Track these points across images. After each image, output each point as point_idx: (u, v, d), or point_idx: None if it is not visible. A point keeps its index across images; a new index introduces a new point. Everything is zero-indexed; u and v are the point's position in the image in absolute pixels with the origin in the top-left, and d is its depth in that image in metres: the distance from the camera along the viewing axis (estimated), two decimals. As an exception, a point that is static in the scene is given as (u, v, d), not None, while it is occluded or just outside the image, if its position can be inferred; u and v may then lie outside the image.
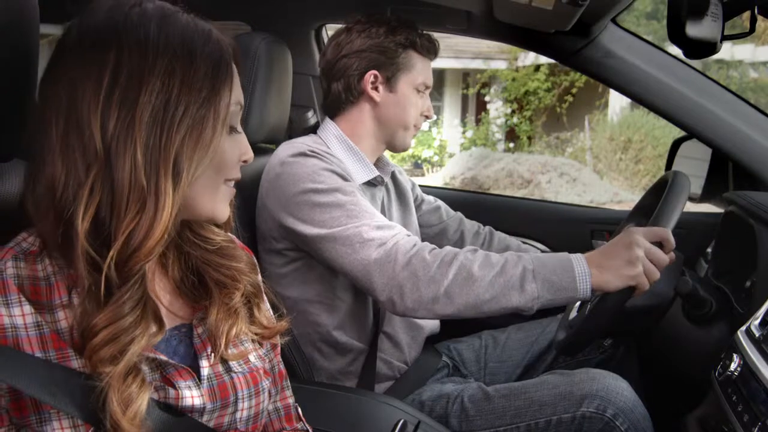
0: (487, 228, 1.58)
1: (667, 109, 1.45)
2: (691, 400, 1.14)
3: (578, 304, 1.35)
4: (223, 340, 0.72)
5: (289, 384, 0.90)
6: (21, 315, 0.62)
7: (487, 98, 11.01)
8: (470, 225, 1.58)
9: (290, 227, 1.19)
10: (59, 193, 0.62)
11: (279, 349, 0.86)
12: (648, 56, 1.45)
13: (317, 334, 1.29)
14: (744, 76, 9.62)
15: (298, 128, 1.70)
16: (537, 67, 10.20)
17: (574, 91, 9.85)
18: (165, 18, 0.65)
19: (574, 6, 1.13)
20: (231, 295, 0.75)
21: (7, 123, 0.70)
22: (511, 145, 10.82)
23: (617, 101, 9.81)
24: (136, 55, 0.62)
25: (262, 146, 1.46)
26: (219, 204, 0.71)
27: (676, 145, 1.64)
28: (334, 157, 1.25)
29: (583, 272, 1.05)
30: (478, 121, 11.24)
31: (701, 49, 1.08)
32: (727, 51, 8.52)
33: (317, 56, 1.87)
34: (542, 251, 1.67)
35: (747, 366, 0.91)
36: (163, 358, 0.69)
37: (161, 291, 0.74)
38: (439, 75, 11.34)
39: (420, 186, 1.64)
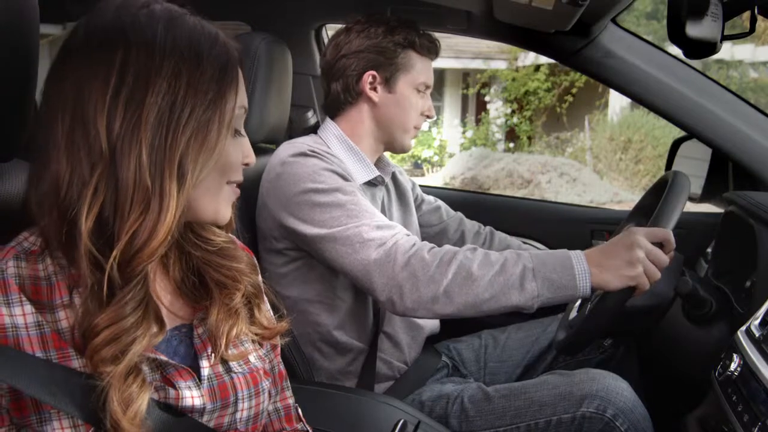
0: (488, 228, 1.58)
1: (667, 109, 1.45)
2: (691, 400, 1.14)
3: (578, 303, 1.35)
4: (224, 341, 0.73)
5: (289, 384, 0.90)
6: (22, 315, 0.63)
7: (487, 98, 11.01)
8: (470, 225, 1.58)
9: (290, 227, 1.19)
10: (63, 191, 0.62)
11: (279, 349, 0.86)
12: (648, 56, 1.45)
13: (317, 333, 1.29)
14: (744, 76, 9.62)
15: (298, 128, 1.70)
16: (537, 67, 10.20)
17: (574, 91, 9.85)
18: (172, 20, 0.65)
19: (574, 6, 1.13)
20: (231, 295, 0.75)
21: (7, 123, 0.70)
22: (511, 145, 10.81)
23: (617, 101, 9.81)
24: (144, 56, 0.62)
25: (262, 146, 1.46)
26: (222, 206, 0.72)
27: (676, 145, 1.64)
28: (335, 157, 1.25)
29: (583, 270, 1.05)
30: (478, 121, 11.24)
31: (701, 49, 1.08)
32: (727, 51, 8.52)
33: (317, 56, 1.88)
34: (542, 251, 1.67)
35: (747, 366, 0.91)
36: (164, 358, 0.69)
37: (162, 291, 0.74)
38: (439, 75, 11.34)
39: (420, 186, 1.64)
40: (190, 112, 0.63)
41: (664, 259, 1.06)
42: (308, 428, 0.90)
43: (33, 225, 0.67)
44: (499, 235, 1.57)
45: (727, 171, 1.52)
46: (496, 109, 10.90)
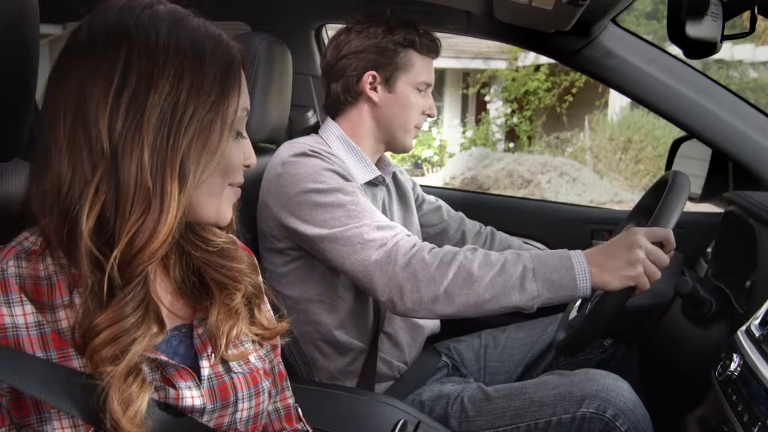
0: (489, 228, 1.58)
1: (667, 109, 1.45)
2: (691, 400, 1.14)
3: (578, 304, 1.35)
4: (224, 341, 0.73)
5: (289, 384, 0.90)
6: (22, 314, 0.63)
7: (487, 98, 11.00)
8: (471, 225, 1.58)
9: (291, 227, 1.19)
10: (65, 191, 0.62)
11: (279, 349, 0.86)
12: (648, 56, 1.45)
13: (318, 333, 1.29)
14: (744, 76, 9.61)
15: (298, 128, 1.70)
16: (537, 67, 10.20)
17: (574, 91, 9.85)
18: (176, 21, 0.65)
19: (574, 6, 1.13)
20: (232, 295, 0.75)
21: (8, 123, 0.70)
22: (511, 145, 10.81)
23: (617, 101, 9.81)
24: (146, 56, 0.62)
25: (263, 146, 1.46)
26: (223, 207, 0.72)
27: (676, 145, 1.64)
28: (336, 157, 1.25)
29: (583, 270, 1.05)
30: (478, 121, 11.24)
31: (701, 49, 1.08)
32: (727, 51, 8.52)
33: (317, 56, 1.88)
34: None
35: (747, 366, 0.91)
36: (164, 358, 0.69)
37: (162, 291, 0.74)
38: (439, 75, 11.33)
39: (420, 186, 1.64)
40: (192, 113, 0.63)
41: (665, 258, 1.06)
42: (308, 428, 0.90)
43: (33, 225, 0.67)
44: (500, 235, 1.57)
45: (727, 171, 1.52)
46: (496, 109, 10.89)
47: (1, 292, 0.62)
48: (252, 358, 0.78)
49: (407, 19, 1.32)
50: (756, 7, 1.13)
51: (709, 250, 1.46)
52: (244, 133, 0.73)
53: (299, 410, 0.90)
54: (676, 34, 1.05)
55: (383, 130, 1.34)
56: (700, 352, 1.19)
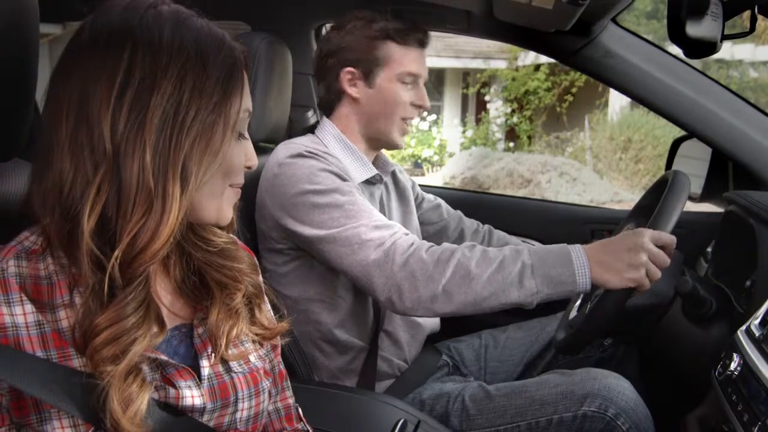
0: (487, 226, 1.58)
1: (667, 109, 1.45)
2: (691, 400, 1.14)
3: (578, 303, 1.35)
4: (224, 341, 0.73)
5: (290, 384, 0.90)
6: (22, 314, 0.63)
7: (487, 98, 11.01)
8: (469, 223, 1.58)
9: (289, 228, 1.19)
10: (66, 190, 0.62)
11: (279, 349, 0.86)
12: (648, 56, 1.45)
13: (318, 332, 1.29)
14: (744, 75, 9.61)
15: (298, 128, 1.70)
16: (537, 67, 10.20)
17: (574, 90, 9.85)
18: (180, 21, 0.65)
19: (574, 5, 1.13)
20: (232, 295, 0.75)
21: (7, 122, 0.70)
22: (511, 144, 10.82)
23: (617, 101, 9.81)
24: (150, 57, 0.62)
25: (263, 146, 1.46)
26: (224, 207, 0.72)
27: (676, 144, 1.64)
28: (332, 157, 1.25)
29: (583, 265, 1.05)
30: (478, 120, 11.24)
31: (701, 48, 1.08)
32: (727, 50, 8.52)
33: (317, 56, 1.87)
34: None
35: (747, 366, 0.91)
36: (164, 358, 0.69)
37: (162, 291, 0.74)
38: (439, 74, 11.35)
39: (420, 185, 1.64)
40: (194, 114, 0.63)
41: (666, 260, 1.06)
42: (308, 428, 0.90)
43: (34, 224, 0.67)
44: (498, 234, 1.57)
45: (727, 170, 1.52)
46: (496, 108, 10.90)
47: (1, 291, 0.62)
48: (252, 358, 0.78)
49: (391, 10, 1.30)
50: (756, 7, 1.13)
51: (709, 249, 1.46)
52: (246, 135, 0.73)
53: (299, 410, 0.90)
54: (677, 33, 1.05)
55: (368, 126, 1.33)
56: (700, 352, 1.19)
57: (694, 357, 1.22)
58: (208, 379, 0.72)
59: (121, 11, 0.64)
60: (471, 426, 1.22)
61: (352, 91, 1.31)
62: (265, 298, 0.84)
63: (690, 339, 1.24)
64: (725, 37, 1.08)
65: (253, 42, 1.34)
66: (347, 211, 1.15)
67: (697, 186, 1.54)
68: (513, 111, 10.68)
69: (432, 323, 1.47)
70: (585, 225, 1.81)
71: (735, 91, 1.46)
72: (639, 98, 1.48)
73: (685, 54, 1.12)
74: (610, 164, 9.01)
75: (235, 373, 0.75)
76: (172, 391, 0.69)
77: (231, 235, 0.79)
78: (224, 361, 0.74)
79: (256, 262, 0.84)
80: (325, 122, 1.35)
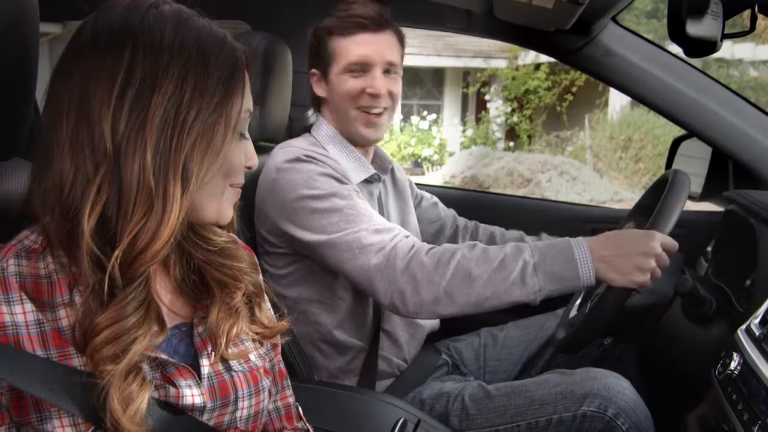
0: (473, 222, 1.59)
1: (667, 108, 1.45)
2: (691, 399, 1.14)
3: (578, 302, 1.35)
4: (224, 340, 0.73)
5: (290, 383, 0.90)
6: (22, 313, 0.63)
7: (487, 97, 11.00)
8: (461, 220, 1.59)
9: (289, 233, 1.19)
10: (66, 190, 0.61)
11: (279, 348, 0.86)
12: (648, 55, 1.45)
13: (317, 333, 1.29)
14: (744, 74, 9.60)
15: (298, 127, 1.69)
16: (537, 66, 10.19)
17: (574, 89, 9.84)
18: (181, 21, 0.65)
19: (574, 5, 1.13)
20: (232, 294, 0.75)
21: (7, 121, 0.70)
22: (511, 144, 10.81)
23: (617, 100, 9.80)
24: (151, 56, 0.62)
25: (263, 145, 1.46)
26: (224, 207, 0.71)
27: (676, 143, 1.64)
28: (330, 159, 1.25)
29: (586, 260, 1.05)
30: (478, 119, 11.24)
31: (701, 47, 1.07)
32: (727, 49, 8.50)
33: (317, 55, 1.87)
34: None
35: (747, 365, 0.91)
36: (164, 356, 0.69)
37: (162, 290, 0.74)
38: (440, 74, 11.34)
39: (420, 185, 1.64)
40: (195, 114, 0.63)
41: (668, 261, 1.06)
42: (309, 427, 0.90)
43: (34, 223, 0.67)
44: (483, 227, 1.57)
45: (727, 170, 1.52)
46: (497, 107, 10.89)
47: (1, 290, 0.62)
48: (252, 357, 0.78)
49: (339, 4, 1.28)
50: (756, 6, 1.13)
51: (709, 249, 1.46)
52: (247, 135, 0.73)
53: (299, 409, 0.90)
54: (677, 32, 1.05)
55: (338, 123, 1.32)
56: (700, 351, 1.19)
57: (694, 356, 1.22)
58: (208, 378, 0.72)
59: (122, 11, 0.64)
60: (471, 425, 1.22)
61: (318, 91, 1.33)
62: (265, 297, 0.84)
63: (690, 338, 1.24)
64: (725, 36, 1.07)
65: (253, 41, 1.34)
66: (347, 216, 1.14)
67: (697, 185, 1.54)
68: (513, 110, 10.68)
69: (431, 322, 1.47)
70: (585, 224, 1.81)
71: (735, 91, 1.46)
72: (639, 97, 1.48)
73: (685, 53, 1.12)
74: (610, 163, 9.01)
75: (235, 371, 0.75)
76: (172, 390, 0.69)
77: (231, 234, 0.79)
78: (224, 360, 0.74)
79: (256, 261, 0.84)
80: (320, 121, 1.35)
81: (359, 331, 1.31)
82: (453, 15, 1.59)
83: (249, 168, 0.73)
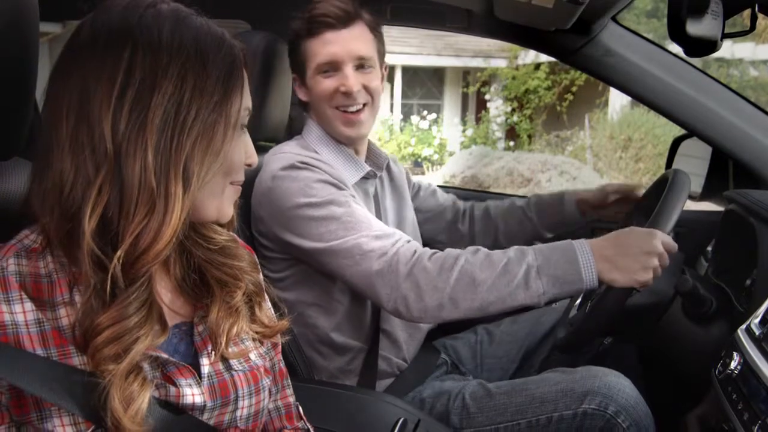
0: (470, 203, 1.60)
1: (667, 108, 1.45)
2: (691, 399, 1.14)
3: (578, 301, 1.35)
4: (224, 339, 0.73)
5: (290, 383, 0.90)
6: (22, 312, 0.63)
7: (487, 96, 11.00)
8: (460, 204, 1.60)
9: (287, 241, 1.18)
10: (67, 190, 0.61)
11: (279, 347, 0.86)
12: (648, 54, 1.45)
13: (315, 336, 1.29)
14: (744, 74, 9.60)
15: (298, 126, 1.69)
16: (537, 66, 10.19)
17: (574, 89, 9.84)
18: (179, 20, 0.65)
19: (574, 4, 1.13)
20: (232, 293, 0.75)
21: (7, 121, 0.70)
22: (512, 143, 10.80)
23: (617, 99, 9.80)
24: (150, 56, 0.62)
25: (263, 144, 1.46)
26: (224, 205, 0.72)
27: (676, 143, 1.64)
28: (324, 164, 1.23)
29: (588, 262, 1.05)
30: (478, 119, 11.23)
31: (701, 47, 1.07)
32: (728, 49, 8.49)
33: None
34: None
35: (747, 364, 0.91)
36: (164, 356, 0.69)
37: (162, 289, 0.74)
38: (440, 73, 11.34)
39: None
40: (195, 114, 0.63)
41: (668, 260, 1.06)
42: (309, 426, 0.90)
43: (34, 223, 0.67)
44: (477, 205, 1.58)
45: (727, 169, 1.52)
46: (497, 107, 10.89)
47: (1, 290, 0.62)
48: (252, 356, 0.78)
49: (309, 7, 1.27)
50: (756, 6, 1.13)
51: (709, 248, 1.46)
52: (246, 132, 0.73)
53: (300, 408, 0.90)
54: (677, 32, 1.05)
55: (321, 124, 1.31)
56: (700, 351, 1.19)
57: (695, 356, 1.22)
58: (208, 377, 0.72)
59: (120, 10, 0.64)
60: (471, 424, 1.22)
61: (300, 95, 1.33)
62: (266, 296, 0.84)
63: (690, 338, 1.24)
64: (725, 36, 1.07)
65: (253, 40, 1.34)
66: (345, 224, 1.14)
67: (697, 185, 1.54)
68: (513, 110, 10.67)
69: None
70: (585, 224, 1.81)
71: (735, 90, 1.46)
72: (639, 97, 1.48)
73: (686, 52, 1.12)
74: (610, 163, 9.00)
75: (236, 371, 0.75)
76: (172, 389, 0.69)
77: (231, 233, 0.79)
78: (224, 359, 0.74)
79: (256, 260, 0.84)
80: (310, 123, 1.34)
81: (358, 332, 1.31)
82: (453, 15, 1.59)
83: (249, 165, 0.73)
